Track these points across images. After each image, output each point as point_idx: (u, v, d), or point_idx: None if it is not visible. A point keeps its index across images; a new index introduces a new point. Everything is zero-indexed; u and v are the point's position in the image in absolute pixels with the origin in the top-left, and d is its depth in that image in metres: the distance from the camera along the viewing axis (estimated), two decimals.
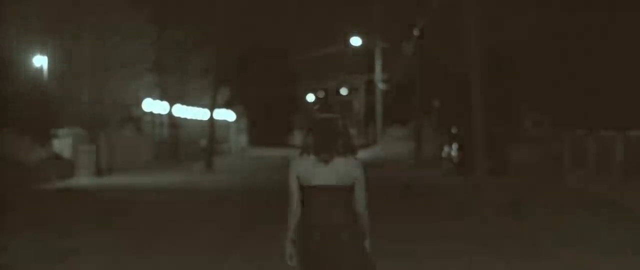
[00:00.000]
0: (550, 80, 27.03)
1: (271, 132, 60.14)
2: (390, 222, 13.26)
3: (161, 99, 35.51)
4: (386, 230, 11.87)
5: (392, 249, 10.40)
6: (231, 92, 45.35)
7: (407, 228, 12.86)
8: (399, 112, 49.05)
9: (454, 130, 28.70)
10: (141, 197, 19.51)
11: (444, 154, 28.68)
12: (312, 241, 4.78)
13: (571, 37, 25.56)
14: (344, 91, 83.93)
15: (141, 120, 33.94)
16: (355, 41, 52.47)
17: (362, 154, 40.04)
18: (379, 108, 51.13)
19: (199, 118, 41.57)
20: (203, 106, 39.51)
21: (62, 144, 26.14)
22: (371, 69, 53.42)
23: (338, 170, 4.78)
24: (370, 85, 60.30)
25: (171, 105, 37.31)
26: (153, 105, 34.50)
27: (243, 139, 53.11)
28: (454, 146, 27.11)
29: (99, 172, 26.94)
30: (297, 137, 63.73)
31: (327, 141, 4.78)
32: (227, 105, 46.37)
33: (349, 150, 4.83)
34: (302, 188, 4.82)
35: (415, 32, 33.88)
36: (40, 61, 25.99)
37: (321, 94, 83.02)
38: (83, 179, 25.23)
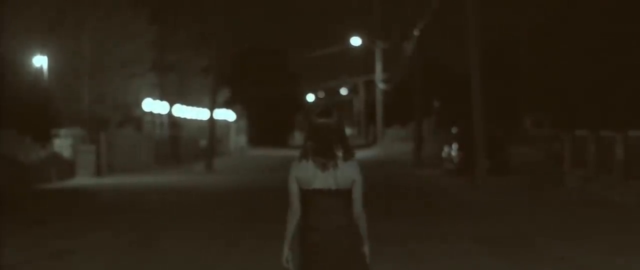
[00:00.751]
0: (550, 80, 27.04)
1: (271, 132, 60.09)
2: (390, 223, 13.25)
3: (161, 99, 35.50)
4: (386, 231, 11.87)
5: (392, 250, 10.41)
6: (231, 92, 45.33)
7: (407, 228, 12.85)
8: (399, 112, 49.07)
9: (454, 131, 28.68)
10: (141, 197, 19.52)
11: (444, 154, 28.65)
12: (312, 243, 4.83)
13: (571, 36, 25.57)
14: (344, 91, 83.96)
15: (141, 120, 33.92)
16: (355, 41, 52.51)
17: (362, 154, 40.07)
18: (379, 108, 51.16)
19: (199, 118, 41.57)
20: (203, 106, 39.52)
21: (62, 144, 26.14)
22: (371, 69, 53.47)
23: (337, 174, 4.82)
24: (370, 85, 60.36)
25: (171, 105, 37.31)
26: (153, 105, 34.50)
27: (243, 139, 53.08)
28: (454, 146, 27.09)
29: (99, 172, 26.94)
30: (297, 138, 63.75)
31: (325, 147, 4.83)
32: (227, 105, 46.35)
33: (347, 154, 4.87)
34: (302, 191, 4.87)
35: (415, 32, 33.88)
36: (40, 61, 25.99)
37: (321, 94, 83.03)
38: (83, 179, 25.23)
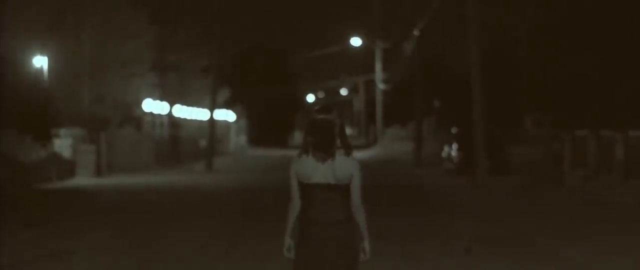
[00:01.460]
0: (551, 79, 27.01)
1: (271, 132, 60.06)
2: (390, 222, 13.26)
3: (161, 99, 35.51)
4: (386, 231, 11.87)
5: (391, 249, 10.41)
6: (231, 92, 45.35)
7: (407, 228, 12.86)
8: (399, 112, 49.05)
9: (454, 130, 28.68)
10: (141, 197, 19.52)
11: (444, 154, 28.66)
12: (310, 235, 4.95)
13: (571, 36, 25.55)
14: (343, 91, 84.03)
15: (141, 120, 33.92)
16: (355, 41, 52.52)
17: (362, 154, 40.09)
18: (379, 108, 51.18)
19: (199, 118, 41.58)
20: (203, 106, 39.52)
21: (62, 143, 26.13)
22: (371, 69, 53.48)
23: (335, 169, 4.92)
24: (370, 85, 60.35)
25: (171, 105, 37.31)
26: (153, 105, 34.50)
27: (243, 138, 53.10)
28: (454, 146, 27.11)
29: (99, 172, 26.94)
30: (297, 137, 63.75)
31: (325, 141, 4.92)
32: (227, 105, 46.36)
33: (347, 150, 4.97)
34: (302, 185, 4.99)
35: (415, 32, 33.88)
36: (40, 61, 25.99)
37: (321, 94, 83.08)
38: (83, 179, 25.23)
